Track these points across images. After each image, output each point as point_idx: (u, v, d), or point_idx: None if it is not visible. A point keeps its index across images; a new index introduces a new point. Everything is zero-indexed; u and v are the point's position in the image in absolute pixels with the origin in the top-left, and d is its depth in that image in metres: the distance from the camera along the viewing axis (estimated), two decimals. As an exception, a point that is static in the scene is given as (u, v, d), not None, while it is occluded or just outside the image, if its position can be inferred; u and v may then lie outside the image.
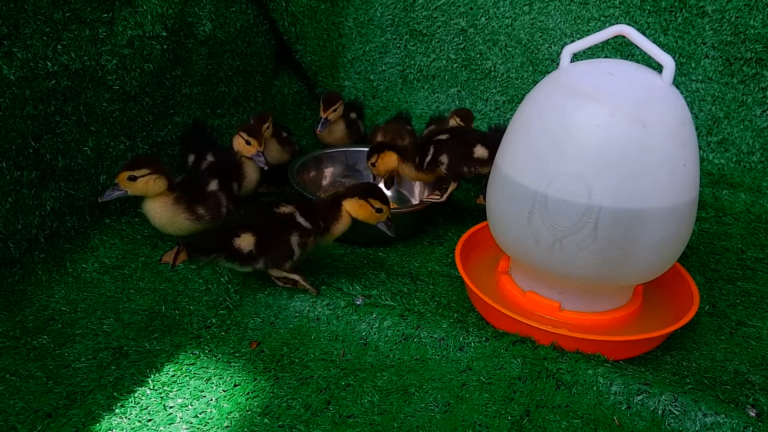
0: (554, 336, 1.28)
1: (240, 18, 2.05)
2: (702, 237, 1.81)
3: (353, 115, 2.18)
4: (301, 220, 1.42)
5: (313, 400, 1.21)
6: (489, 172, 1.62)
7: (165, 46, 1.72)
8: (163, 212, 1.50)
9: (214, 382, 1.25)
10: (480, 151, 1.70)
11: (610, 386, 1.21)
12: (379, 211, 1.46)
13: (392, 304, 1.43)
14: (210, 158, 1.75)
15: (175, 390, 1.22)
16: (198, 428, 1.14)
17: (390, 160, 1.79)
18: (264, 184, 2.00)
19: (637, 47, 1.24)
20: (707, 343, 1.38)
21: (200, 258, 1.42)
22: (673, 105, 1.18)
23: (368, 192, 1.47)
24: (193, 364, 1.29)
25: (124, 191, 1.45)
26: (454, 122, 1.97)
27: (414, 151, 1.78)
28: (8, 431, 1.11)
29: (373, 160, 1.80)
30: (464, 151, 1.71)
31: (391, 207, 1.95)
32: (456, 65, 2.45)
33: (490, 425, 1.16)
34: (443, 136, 1.75)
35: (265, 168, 1.71)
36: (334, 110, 2.00)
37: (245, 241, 1.39)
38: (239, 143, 1.69)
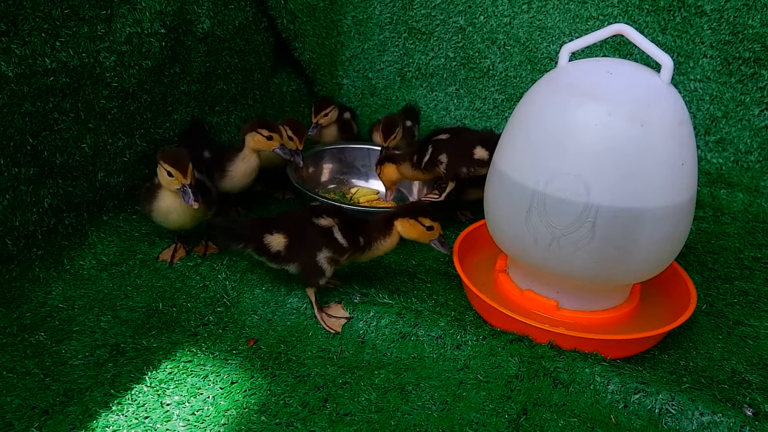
0: (552, 334, 1.29)
1: (239, 15, 2.04)
2: (700, 236, 1.82)
3: (347, 115, 2.21)
4: (338, 236, 1.38)
5: (311, 397, 1.21)
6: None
7: (163, 44, 1.71)
8: (182, 204, 1.49)
9: (212, 379, 1.25)
10: (480, 153, 1.70)
11: (608, 385, 1.21)
12: (429, 228, 1.41)
13: (390, 302, 1.43)
14: (207, 155, 1.74)
15: (172, 387, 1.22)
16: (195, 425, 1.14)
17: (389, 172, 1.83)
18: (259, 184, 1.99)
19: (636, 46, 1.24)
20: (704, 342, 1.38)
21: (229, 244, 1.39)
22: (671, 104, 1.18)
23: (417, 211, 1.42)
24: (190, 361, 1.29)
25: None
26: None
27: (410, 151, 1.79)
28: (5, 428, 1.11)
29: (377, 171, 1.86)
30: (464, 152, 1.71)
31: (389, 205, 1.96)
32: (454, 64, 2.45)
33: (488, 423, 1.16)
34: (443, 136, 1.75)
35: (300, 164, 1.78)
36: (325, 115, 2.08)
37: (276, 240, 1.37)
38: (258, 140, 1.66)
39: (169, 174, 1.42)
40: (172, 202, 1.49)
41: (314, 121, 2.06)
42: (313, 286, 1.40)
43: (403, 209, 1.43)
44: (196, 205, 1.43)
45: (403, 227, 1.41)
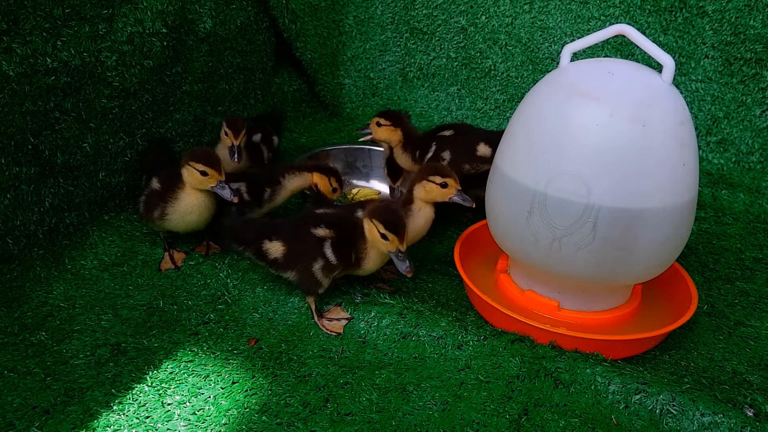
0: (553, 335, 1.28)
1: (240, 15, 2.04)
2: (701, 237, 1.81)
3: (257, 138, 1.87)
4: (328, 251, 1.35)
5: (312, 397, 1.21)
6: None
7: (165, 43, 1.71)
8: (204, 204, 1.50)
9: (212, 379, 1.25)
10: (483, 149, 1.70)
11: (609, 385, 1.21)
12: (383, 237, 1.28)
13: (391, 302, 1.43)
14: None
15: (173, 387, 1.22)
16: (196, 425, 1.14)
17: (390, 132, 1.77)
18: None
19: (637, 47, 1.24)
20: (705, 342, 1.38)
21: (231, 246, 1.39)
22: (672, 105, 1.18)
23: (378, 213, 1.30)
24: (191, 361, 1.29)
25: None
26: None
27: (414, 143, 1.77)
28: (6, 427, 1.11)
29: (377, 120, 1.77)
30: (467, 149, 1.71)
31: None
32: (456, 64, 2.45)
33: (488, 424, 1.16)
34: (446, 133, 1.75)
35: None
36: (244, 135, 1.70)
37: (274, 248, 1.37)
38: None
39: (203, 173, 1.43)
40: (193, 201, 1.49)
41: (236, 143, 1.66)
42: (312, 295, 1.40)
43: (369, 209, 1.33)
44: (235, 199, 1.45)
45: (368, 228, 1.33)
